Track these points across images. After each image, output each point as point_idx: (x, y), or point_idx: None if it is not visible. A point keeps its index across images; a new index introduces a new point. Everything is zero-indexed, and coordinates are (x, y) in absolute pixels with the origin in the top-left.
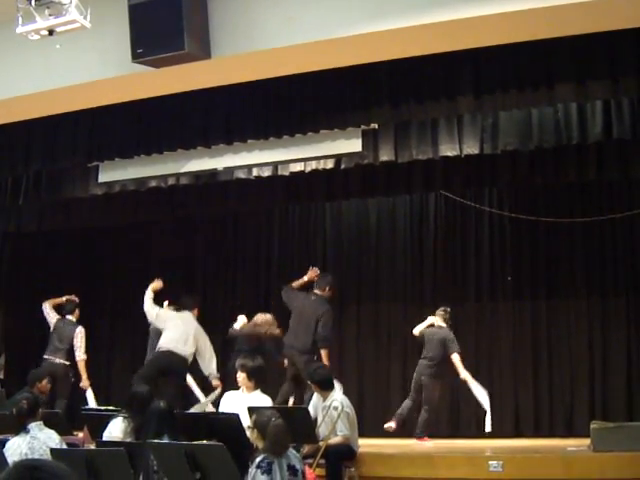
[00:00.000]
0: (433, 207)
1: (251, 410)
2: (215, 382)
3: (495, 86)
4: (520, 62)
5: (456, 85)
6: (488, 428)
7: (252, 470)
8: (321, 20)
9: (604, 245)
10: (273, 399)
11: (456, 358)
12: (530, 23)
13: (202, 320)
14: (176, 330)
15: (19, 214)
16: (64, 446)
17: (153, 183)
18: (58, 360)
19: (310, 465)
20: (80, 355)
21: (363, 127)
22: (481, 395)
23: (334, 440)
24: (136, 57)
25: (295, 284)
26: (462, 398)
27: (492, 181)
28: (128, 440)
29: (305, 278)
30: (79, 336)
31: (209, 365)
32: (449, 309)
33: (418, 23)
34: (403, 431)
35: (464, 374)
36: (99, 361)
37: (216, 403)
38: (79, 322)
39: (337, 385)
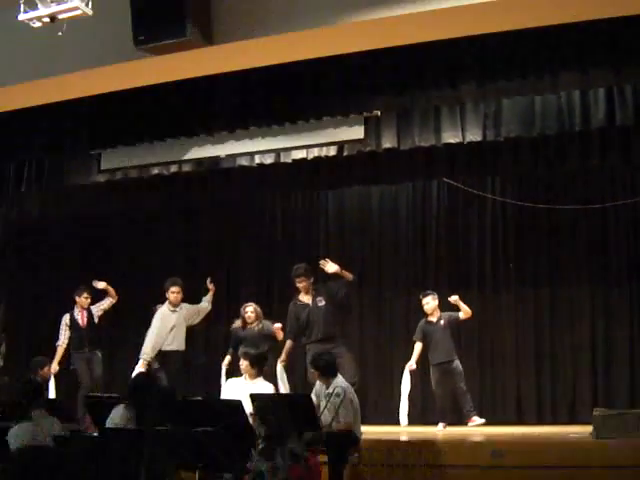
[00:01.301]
0: (436, 194)
1: (253, 397)
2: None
3: (498, 73)
4: (523, 49)
5: (459, 72)
6: (404, 421)
7: (254, 457)
8: (323, 7)
9: (607, 232)
10: None
11: (415, 346)
12: (533, 10)
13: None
14: None
15: (21, 202)
16: (67, 434)
17: (155, 171)
18: None
19: (312, 452)
20: (59, 341)
21: (366, 114)
22: (404, 391)
23: (336, 427)
24: (138, 44)
25: None
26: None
27: (495, 168)
28: (130, 427)
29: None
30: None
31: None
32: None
33: (421, 10)
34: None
35: (409, 364)
36: (102, 349)
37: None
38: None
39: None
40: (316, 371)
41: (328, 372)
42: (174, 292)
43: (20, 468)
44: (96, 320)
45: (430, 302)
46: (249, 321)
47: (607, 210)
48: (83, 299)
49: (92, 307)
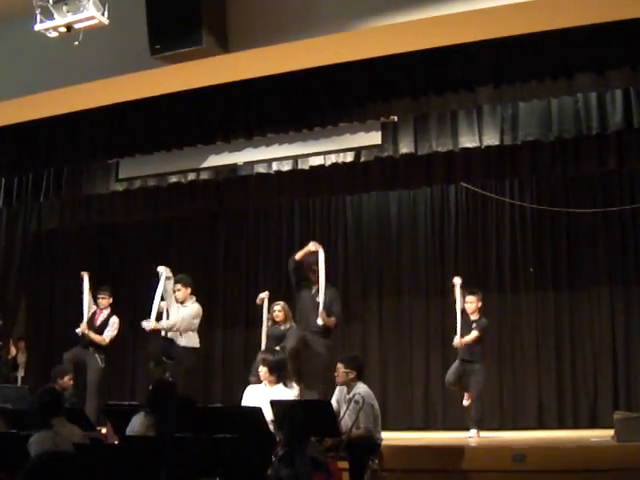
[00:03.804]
0: (454, 199)
1: (273, 404)
2: None
3: (514, 77)
4: (539, 52)
5: (475, 76)
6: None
7: (275, 463)
8: (339, 13)
9: (625, 235)
10: None
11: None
12: (548, 12)
13: (223, 314)
14: None
15: (40, 211)
16: (87, 442)
17: (173, 179)
18: None
19: (333, 458)
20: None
21: (382, 120)
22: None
23: (356, 433)
24: (154, 53)
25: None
26: (484, 390)
27: (512, 172)
28: (151, 434)
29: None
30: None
31: None
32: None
33: (437, 14)
34: (427, 424)
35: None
36: (125, 358)
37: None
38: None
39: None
40: (353, 371)
41: (361, 374)
42: (175, 290)
43: (41, 472)
44: (106, 337)
45: (472, 302)
46: (277, 319)
47: (625, 212)
48: (100, 299)
49: (112, 319)
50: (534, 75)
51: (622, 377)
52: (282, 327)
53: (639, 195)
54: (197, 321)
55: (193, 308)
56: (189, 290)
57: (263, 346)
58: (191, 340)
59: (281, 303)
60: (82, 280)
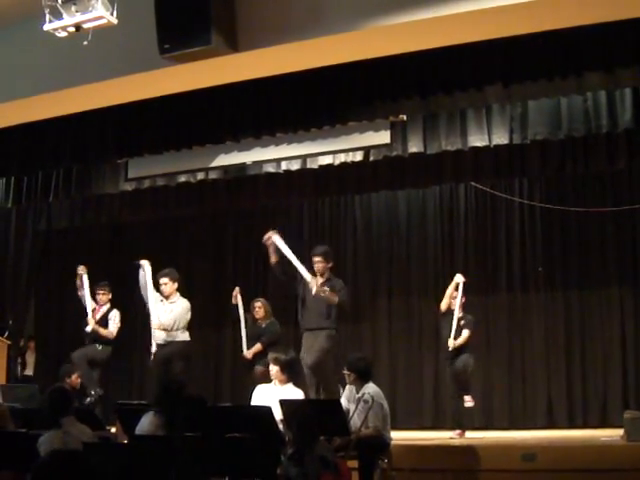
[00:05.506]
0: (463, 198)
1: (282, 403)
2: None
3: (523, 75)
4: (548, 51)
5: (484, 75)
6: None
7: (284, 462)
8: (348, 12)
9: (636, 234)
10: None
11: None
12: (558, 11)
13: (232, 312)
14: None
15: (50, 211)
16: (97, 441)
17: (182, 178)
18: None
19: (342, 457)
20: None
21: (392, 119)
22: None
23: (366, 432)
24: (163, 52)
25: None
26: (494, 389)
27: (522, 171)
28: (160, 434)
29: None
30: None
31: None
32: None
33: (446, 13)
34: (437, 423)
35: None
36: (133, 356)
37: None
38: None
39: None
40: (353, 374)
41: (365, 376)
42: (161, 284)
43: (50, 471)
44: (113, 331)
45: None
46: (257, 316)
47: (636, 211)
48: (100, 295)
49: (112, 313)
50: (543, 74)
51: (632, 376)
52: (263, 324)
53: None
54: (189, 316)
55: (184, 303)
56: (176, 285)
57: (244, 346)
58: (186, 335)
59: (261, 300)
60: (81, 276)
